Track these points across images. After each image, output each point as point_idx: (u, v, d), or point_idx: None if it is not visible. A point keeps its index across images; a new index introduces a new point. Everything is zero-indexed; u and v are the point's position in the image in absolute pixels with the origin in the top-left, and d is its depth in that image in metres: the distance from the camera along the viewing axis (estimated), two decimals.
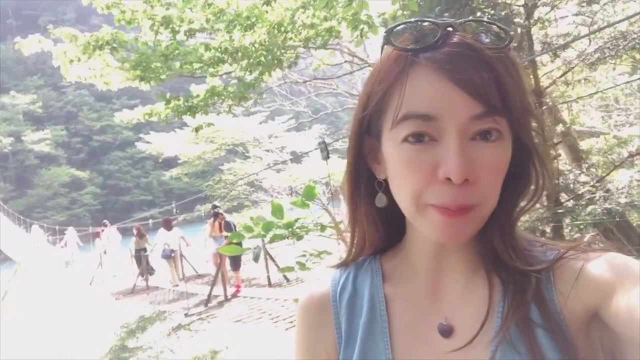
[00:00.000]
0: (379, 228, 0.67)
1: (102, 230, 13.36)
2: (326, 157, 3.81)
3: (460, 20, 0.54)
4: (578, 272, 0.55)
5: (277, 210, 2.40)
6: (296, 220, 2.48)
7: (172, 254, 10.40)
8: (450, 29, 0.53)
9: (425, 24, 0.54)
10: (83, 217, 44.89)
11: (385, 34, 0.56)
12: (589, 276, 0.54)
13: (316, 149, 4.24)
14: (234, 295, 8.33)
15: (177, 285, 10.31)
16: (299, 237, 2.72)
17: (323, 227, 2.60)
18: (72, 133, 53.35)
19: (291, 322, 6.59)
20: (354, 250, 0.69)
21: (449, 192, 0.51)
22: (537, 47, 4.69)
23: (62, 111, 54.90)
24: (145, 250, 11.42)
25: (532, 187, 0.59)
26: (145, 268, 11.17)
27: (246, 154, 14.31)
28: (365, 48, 5.93)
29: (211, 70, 6.13)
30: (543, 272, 0.57)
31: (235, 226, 8.67)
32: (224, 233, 8.91)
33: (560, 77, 5.08)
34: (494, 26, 0.54)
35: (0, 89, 53.33)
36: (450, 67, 0.51)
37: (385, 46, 0.56)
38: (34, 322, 11.77)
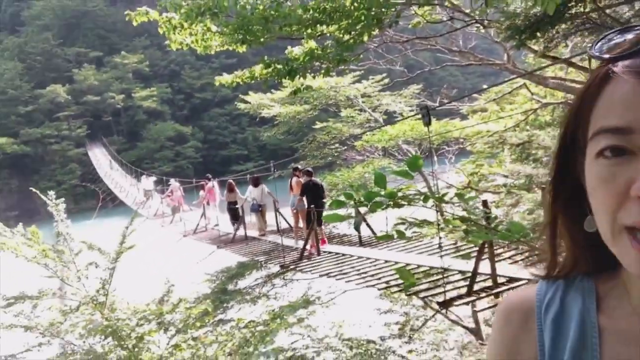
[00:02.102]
0: (588, 253, 0.60)
1: (206, 183, 14.31)
2: (428, 123, 3.72)
3: None
4: None
5: (380, 180, 2.42)
6: (399, 190, 2.49)
7: (260, 208, 11.38)
8: None
9: (638, 29, 0.49)
10: (186, 168, 48.39)
11: (592, 43, 0.53)
12: None
13: (417, 113, 4.15)
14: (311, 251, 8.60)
15: (264, 235, 11.37)
16: (400, 206, 2.72)
17: (426, 198, 2.57)
18: (176, 90, 56.87)
19: (379, 278, 6.64)
20: (558, 268, 0.64)
21: None
22: None
23: (166, 70, 58.48)
24: (236, 203, 12.43)
25: None
26: (241, 220, 11.90)
27: (339, 113, 14.33)
28: (471, 3, 5.55)
29: (309, 31, 6.14)
30: None
31: (312, 187, 9.00)
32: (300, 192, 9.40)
33: None
34: None
35: (112, 49, 57.82)
36: None
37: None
38: (147, 264, 13.10)
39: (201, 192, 14.48)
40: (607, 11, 5.10)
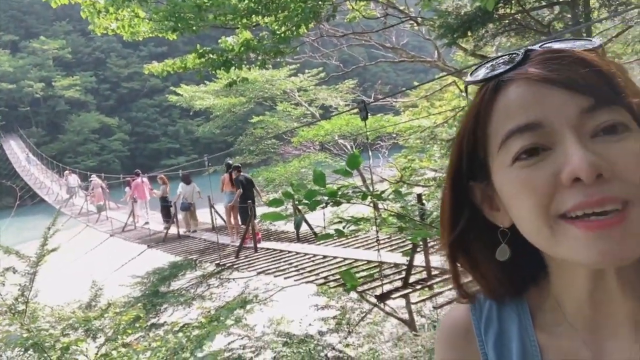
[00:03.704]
0: (505, 283, 0.58)
1: (133, 179, 13.64)
2: (365, 118, 3.73)
3: (541, 43, 0.52)
4: None
5: (320, 178, 2.37)
6: (339, 189, 2.45)
7: (191, 207, 11.18)
8: (531, 49, 0.51)
9: (505, 56, 0.52)
10: (112, 163, 46.07)
11: (465, 81, 0.54)
12: None
13: (353, 107, 4.15)
14: (251, 247, 8.47)
15: (195, 232, 11.14)
16: (339, 204, 2.70)
17: (365, 196, 2.55)
18: (101, 79, 53.80)
19: (317, 274, 6.65)
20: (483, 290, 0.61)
21: (582, 191, 0.43)
22: None
23: (90, 57, 55.18)
24: (166, 199, 12.17)
25: None
26: (174, 217, 11.49)
27: (274, 107, 14.19)
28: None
29: (244, 21, 5.96)
30: None
31: (244, 182, 9.00)
32: (236, 188, 9.32)
33: None
34: (580, 40, 0.51)
35: (30, 33, 53.67)
36: (541, 71, 0.47)
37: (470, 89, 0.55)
38: (72, 265, 12.31)
39: (127, 189, 13.80)
40: (532, 14, 5.37)
